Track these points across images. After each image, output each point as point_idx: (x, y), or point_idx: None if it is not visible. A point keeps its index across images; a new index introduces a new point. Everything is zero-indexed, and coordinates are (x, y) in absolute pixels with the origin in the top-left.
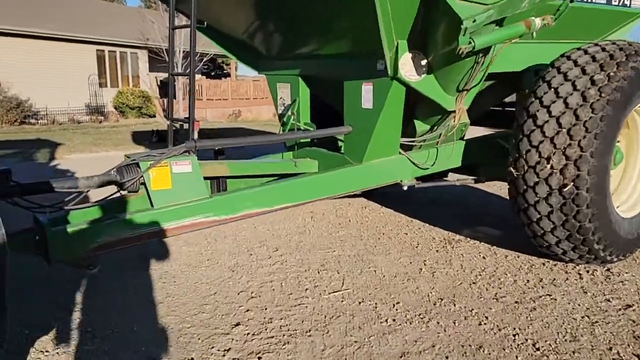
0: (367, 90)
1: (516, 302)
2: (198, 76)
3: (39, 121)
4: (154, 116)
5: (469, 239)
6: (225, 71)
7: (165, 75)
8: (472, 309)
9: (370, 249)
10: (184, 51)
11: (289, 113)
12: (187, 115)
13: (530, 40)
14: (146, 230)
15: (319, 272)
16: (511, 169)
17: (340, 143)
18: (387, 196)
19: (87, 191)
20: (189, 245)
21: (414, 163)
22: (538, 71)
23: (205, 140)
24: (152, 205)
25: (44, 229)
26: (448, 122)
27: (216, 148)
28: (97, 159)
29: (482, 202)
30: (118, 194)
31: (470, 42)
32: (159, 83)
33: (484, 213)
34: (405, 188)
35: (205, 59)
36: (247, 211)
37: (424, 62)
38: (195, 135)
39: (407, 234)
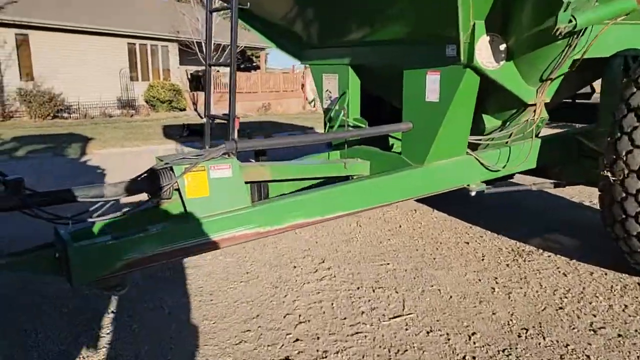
0: (432, 80)
1: (619, 335)
2: (226, 69)
3: (72, 115)
4: (184, 110)
5: (540, 250)
6: (254, 63)
7: (196, 68)
8: (567, 344)
9: (429, 262)
10: (215, 43)
11: (337, 107)
12: (224, 112)
13: (624, 21)
14: (180, 245)
15: (373, 291)
16: (606, 173)
17: (391, 141)
18: (437, 198)
19: (114, 200)
20: (225, 256)
21: (482, 164)
22: (628, 57)
23: (248, 141)
24: (186, 216)
25: (65, 245)
26: (523, 117)
27: (259, 149)
28: (127, 154)
29: (545, 204)
30: (148, 203)
31: (571, 21)
32: (189, 76)
33: (550, 217)
34: (473, 194)
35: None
36: (295, 222)
37: (503, 46)
38: (235, 135)
39: (468, 243)
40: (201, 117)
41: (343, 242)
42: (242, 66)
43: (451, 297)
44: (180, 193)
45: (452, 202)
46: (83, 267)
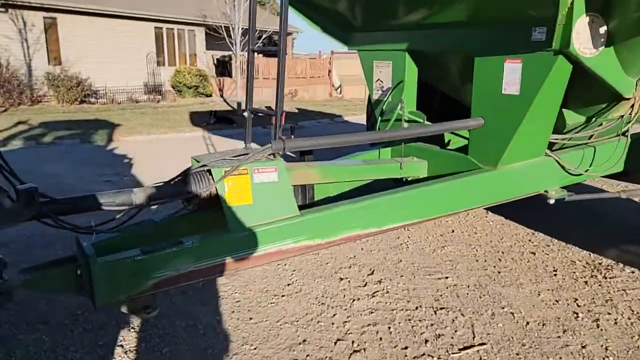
0: (512, 69)
1: None
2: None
3: (99, 100)
4: (211, 95)
5: (620, 263)
6: (255, 54)
7: (222, 53)
8: None
9: (494, 276)
10: (242, 28)
11: (390, 99)
12: (265, 108)
13: None
14: (219, 261)
15: (435, 312)
16: None
17: (447, 137)
18: None
19: (144, 207)
20: None
21: (563, 167)
22: None
23: (297, 140)
24: (227, 227)
25: (88, 260)
26: (614, 113)
27: (311, 149)
28: (154, 142)
29: (611, 207)
30: (183, 211)
31: None
32: (215, 62)
33: (622, 222)
34: (551, 201)
35: (264, 37)
36: (349, 233)
37: (603, 29)
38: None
39: (534, 253)
40: (231, 107)
41: (391, 249)
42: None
43: (528, 323)
44: (219, 200)
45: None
46: (108, 286)
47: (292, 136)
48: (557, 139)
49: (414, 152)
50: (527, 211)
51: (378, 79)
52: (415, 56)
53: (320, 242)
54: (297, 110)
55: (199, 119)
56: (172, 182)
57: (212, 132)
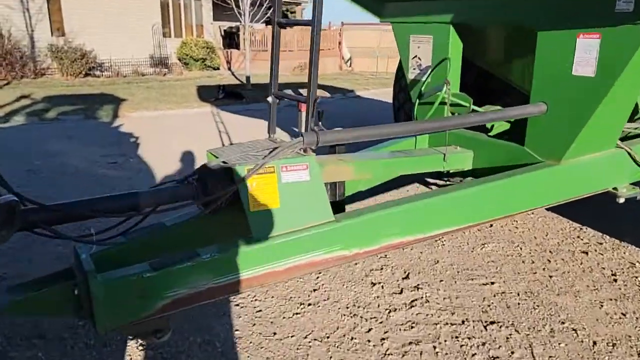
0: (586, 46)
1: None
2: (261, 25)
3: (104, 73)
4: (218, 69)
5: None
6: (281, 26)
7: (230, 24)
8: None
9: (545, 282)
10: None
11: (429, 80)
12: (266, 73)
13: None
14: (242, 275)
15: (485, 327)
16: None
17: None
18: None
19: (152, 211)
20: None
21: (636, 161)
22: None
23: (333, 132)
24: (250, 236)
25: (86, 277)
26: None
27: (349, 142)
28: (161, 118)
29: None
30: (198, 216)
31: None
32: (222, 33)
33: None
34: (621, 200)
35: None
36: (390, 241)
37: None
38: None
39: (586, 253)
40: (240, 81)
41: (426, 247)
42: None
43: (595, 343)
44: (241, 202)
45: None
46: (111, 309)
47: (320, 123)
48: (630, 128)
49: (458, 140)
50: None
51: (415, 56)
52: (461, 30)
53: (357, 251)
54: (305, 83)
55: (207, 94)
56: (186, 182)
57: (221, 108)
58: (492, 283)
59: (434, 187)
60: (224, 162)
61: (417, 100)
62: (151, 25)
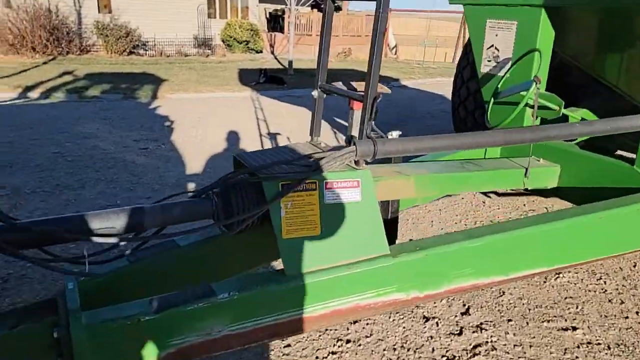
0: None
1: None
2: (307, 9)
3: (147, 52)
4: (261, 52)
5: None
6: (335, 4)
7: (275, 7)
8: None
9: None
10: None
11: (508, 75)
12: (310, 59)
13: None
14: (266, 322)
15: None
16: None
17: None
18: None
19: (157, 232)
20: None
21: None
22: None
23: (395, 141)
24: (281, 270)
25: (67, 319)
26: None
27: (416, 154)
28: (199, 101)
29: None
30: (215, 236)
31: None
32: (267, 16)
33: None
34: None
35: None
36: (459, 284)
37: None
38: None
39: None
40: (282, 65)
41: None
42: (322, 6)
43: None
44: (272, 226)
45: None
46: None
47: (373, 122)
48: None
49: (540, 150)
50: None
51: (492, 45)
52: (555, 15)
53: (417, 295)
54: (351, 71)
55: (248, 77)
56: (203, 195)
57: (261, 93)
58: (574, 328)
59: (492, 195)
60: (252, 173)
61: (492, 100)
62: (197, 5)
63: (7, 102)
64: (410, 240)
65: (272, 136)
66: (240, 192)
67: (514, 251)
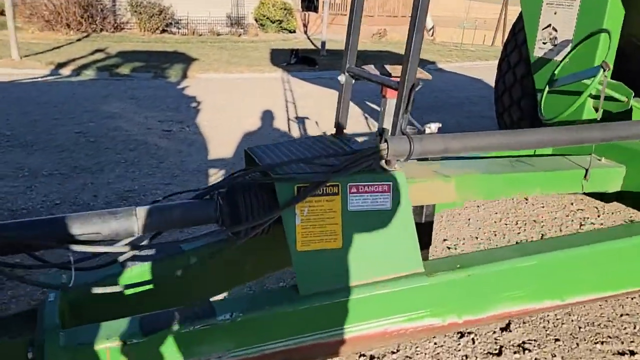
0: None
1: None
2: None
3: (180, 30)
4: (294, 32)
5: None
6: None
7: None
8: None
9: None
10: None
11: (567, 60)
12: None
13: None
14: (275, 347)
15: None
16: None
17: None
18: None
19: (154, 236)
20: None
21: None
22: None
23: (434, 138)
24: (295, 287)
25: (43, 338)
26: None
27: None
28: (229, 81)
29: None
30: (219, 245)
31: None
32: None
33: None
34: None
35: None
36: (506, 308)
37: None
38: (406, 120)
39: None
40: (315, 45)
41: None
42: None
43: None
44: (285, 236)
45: None
46: None
47: (408, 114)
48: None
49: (605, 149)
50: None
51: (549, 25)
52: None
53: (454, 320)
54: (386, 53)
55: (280, 58)
56: (207, 196)
57: (291, 74)
58: (632, 353)
59: None
60: (264, 172)
61: (546, 88)
62: None
63: (39, 79)
64: (445, 241)
65: (300, 120)
66: (249, 195)
67: (574, 272)
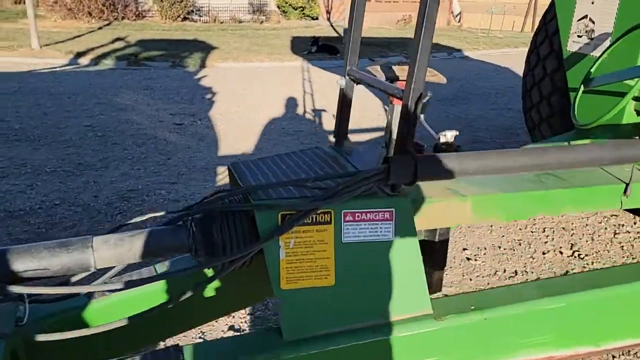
0: None
1: None
2: None
3: (201, 18)
4: (317, 19)
5: None
6: None
7: None
8: None
9: None
10: None
11: (605, 56)
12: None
13: None
14: None
15: None
16: None
17: None
18: None
19: (121, 270)
20: None
21: None
22: None
23: (445, 158)
24: (281, 326)
25: None
26: None
27: (473, 175)
28: (248, 71)
29: None
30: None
31: None
32: None
33: None
34: None
35: None
36: (529, 355)
37: None
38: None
39: None
40: (337, 33)
41: None
42: None
43: None
44: (267, 270)
45: None
46: None
47: (423, 117)
48: None
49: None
50: None
51: (585, 16)
52: None
53: None
54: (408, 39)
55: (301, 46)
56: (179, 223)
57: (312, 63)
58: None
59: None
60: (244, 196)
61: (581, 87)
62: None
63: (57, 69)
64: (464, 250)
65: (317, 113)
66: (226, 222)
67: (610, 314)
